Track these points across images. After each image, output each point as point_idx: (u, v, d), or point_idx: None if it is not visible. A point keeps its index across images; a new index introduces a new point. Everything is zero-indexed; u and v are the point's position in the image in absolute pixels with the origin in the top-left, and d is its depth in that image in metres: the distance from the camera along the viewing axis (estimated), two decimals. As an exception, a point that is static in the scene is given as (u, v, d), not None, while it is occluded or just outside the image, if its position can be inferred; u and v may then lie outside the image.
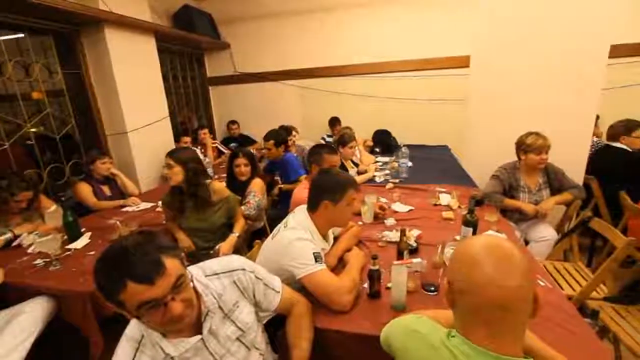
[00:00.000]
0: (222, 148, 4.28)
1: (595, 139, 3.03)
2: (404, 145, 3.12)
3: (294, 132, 3.66)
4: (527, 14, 2.24)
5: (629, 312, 1.62)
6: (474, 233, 1.56)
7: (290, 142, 3.44)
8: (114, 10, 2.84)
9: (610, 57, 2.20)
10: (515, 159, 2.25)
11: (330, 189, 1.36)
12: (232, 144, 4.50)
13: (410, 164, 3.10)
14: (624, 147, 2.58)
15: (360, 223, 1.93)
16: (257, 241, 1.62)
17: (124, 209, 2.53)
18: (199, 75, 4.89)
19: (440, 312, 0.95)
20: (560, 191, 2.20)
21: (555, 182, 2.22)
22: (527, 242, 2.23)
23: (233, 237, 1.92)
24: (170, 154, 1.85)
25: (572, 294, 1.69)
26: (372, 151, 3.97)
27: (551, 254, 2.11)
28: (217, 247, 1.85)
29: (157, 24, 3.54)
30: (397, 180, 2.77)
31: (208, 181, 1.95)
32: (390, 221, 1.93)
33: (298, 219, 1.38)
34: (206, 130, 4.11)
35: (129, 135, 3.13)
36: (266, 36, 4.57)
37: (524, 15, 2.24)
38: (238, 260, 1.05)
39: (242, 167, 2.36)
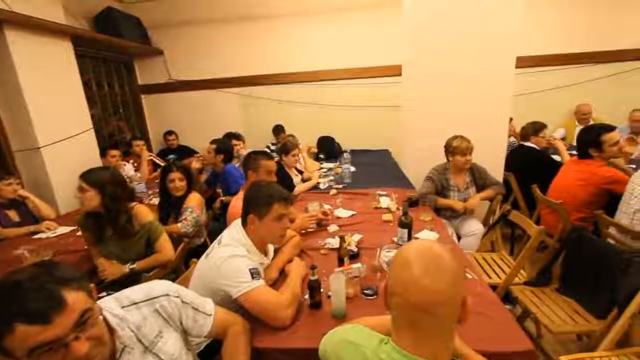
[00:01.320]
0: (158, 161, 3.98)
1: (511, 139, 3.42)
2: (346, 151, 3.18)
3: (234, 141, 3.53)
4: (445, 28, 2.45)
5: (544, 293, 1.80)
6: (409, 234, 1.63)
7: (235, 151, 3.33)
8: (17, 10, 2.50)
9: (517, 67, 2.50)
10: (446, 160, 2.42)
11: (255, 203, 1.30)
12: (170, 156, 4.21)
13: (353, 168, 3.17)
14: (534, 146, 2.94)
15: (302, 231, 1.91)
16: (194, 260, 1.51)
17: (37, 236, 2.21)
18: (129, 83, 4.52)
19: (378, 319, 0.95)
20: (484, 188, 2.42)
21: (479, 180, 2.43)
22: (459, 237, 2.40)
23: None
24: (82, 176, 1.62)
25: (498, 282, 1.84)
26: (316, 157, 4.00)
27: (480, 246, 2.30)
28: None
29: (74, 26, 3.20)
30: (340, 186, 2.81)
31: (133, 204, 1.76)
32: (332, 228, 1.94)
33: (232, 234, 1.32)
34: (142, 142, 3.81)
35: (42, 151, 2.76)
36: (202, 43, 4.40)
37: (442, 30, 2.45)
38: (161, 286, 0.95)
39: (177, 182, 2.20)
